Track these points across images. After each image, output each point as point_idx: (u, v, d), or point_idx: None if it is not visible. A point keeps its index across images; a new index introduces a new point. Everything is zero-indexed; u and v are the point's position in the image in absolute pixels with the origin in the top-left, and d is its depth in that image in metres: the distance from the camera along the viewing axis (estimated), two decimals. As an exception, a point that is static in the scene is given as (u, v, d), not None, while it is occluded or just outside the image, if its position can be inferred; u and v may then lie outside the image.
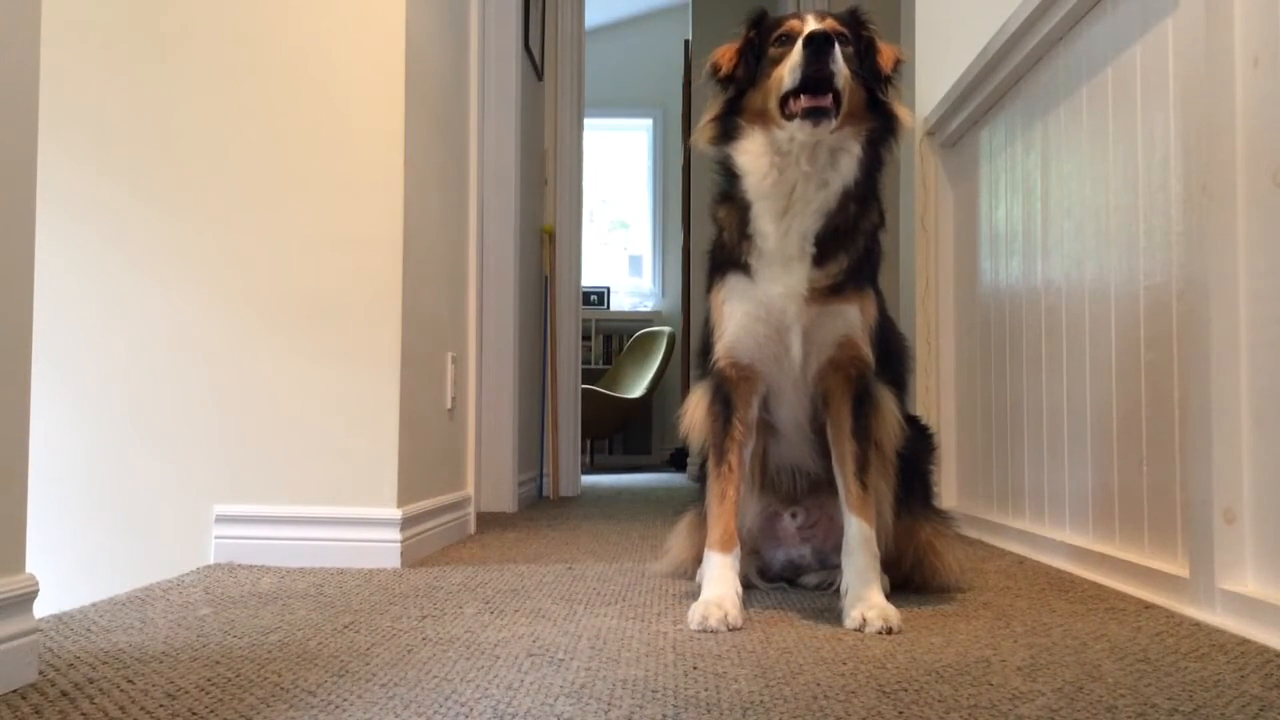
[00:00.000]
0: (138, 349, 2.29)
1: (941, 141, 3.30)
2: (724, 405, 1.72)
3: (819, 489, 1.85)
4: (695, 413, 1.79)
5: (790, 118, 1.56)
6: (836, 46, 1.54)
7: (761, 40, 1.67)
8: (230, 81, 2.32)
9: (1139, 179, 1.98)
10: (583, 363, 5.03)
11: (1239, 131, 1.61)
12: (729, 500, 1.69)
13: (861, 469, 1.68)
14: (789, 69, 1.55)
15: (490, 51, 3.56)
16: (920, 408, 3.32)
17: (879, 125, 1.65)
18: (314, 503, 2.24)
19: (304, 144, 2.31)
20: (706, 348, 1.77)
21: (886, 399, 1.75)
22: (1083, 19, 2.25)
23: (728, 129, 1.66)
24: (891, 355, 1.81)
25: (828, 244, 1.62)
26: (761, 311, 1.65)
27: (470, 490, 2.95)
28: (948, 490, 3.26)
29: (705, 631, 1.53)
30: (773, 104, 1.60)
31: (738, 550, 1.69)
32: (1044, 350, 2.48)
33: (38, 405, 1.30)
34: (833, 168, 1.60)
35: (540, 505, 4.09)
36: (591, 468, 7.13)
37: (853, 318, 1.66)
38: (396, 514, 2.23)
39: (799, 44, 1.54)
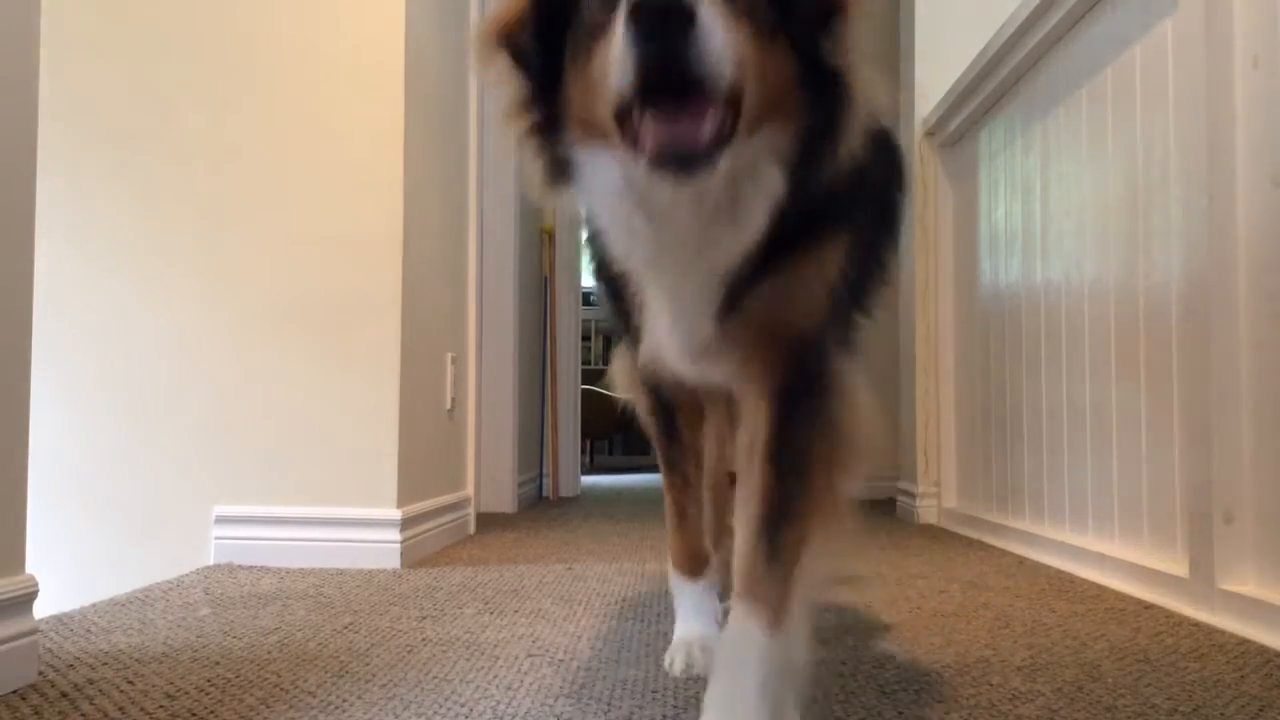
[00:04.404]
0: (137, 350, 2.29)
1: (941, 141, 3.30)
2: (664, 413, 1.35)
3: None
4: (619, 379, 1.42)
5: (637, 148, 0.86)
6: (700, 10, 0.81)
7: None
8: (231, 81, 2.32)
9: (1139, 179, 1.98)
10: (583, 363, 5.03)
11: (1239, 131, 1.61)
12: (690, 519, 1.39)
13: (777, 515, 0.99)
14: (614, 58, 0.84)
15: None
16: (920, 408, 3.32)
17: (823, 117, 0.94)
18: (314, 503, 2.24)
19: (304, 144, 2.31)
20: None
21: (849, 385, 1.06)
22: (1082, 19, 2.24)
23: (557, 157, 0.97)
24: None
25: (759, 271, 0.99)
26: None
27: (470, 490, 2.95)
28: (948, 490, 3.26)
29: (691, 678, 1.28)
30: (601, 115, 0.90)
31: (711, 571, 1.41)
32: (1044, 350, 2.48)
33: (38, 406, 1.30)
34: (733, 211, 0.94)
35: (540, 505, 4.09)
36: (591, 468, 7.13)
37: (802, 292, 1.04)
38: (396, 514, 2.23)
39: (622, 10, 0.83)
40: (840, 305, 1.08)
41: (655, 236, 0.96)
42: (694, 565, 1.40)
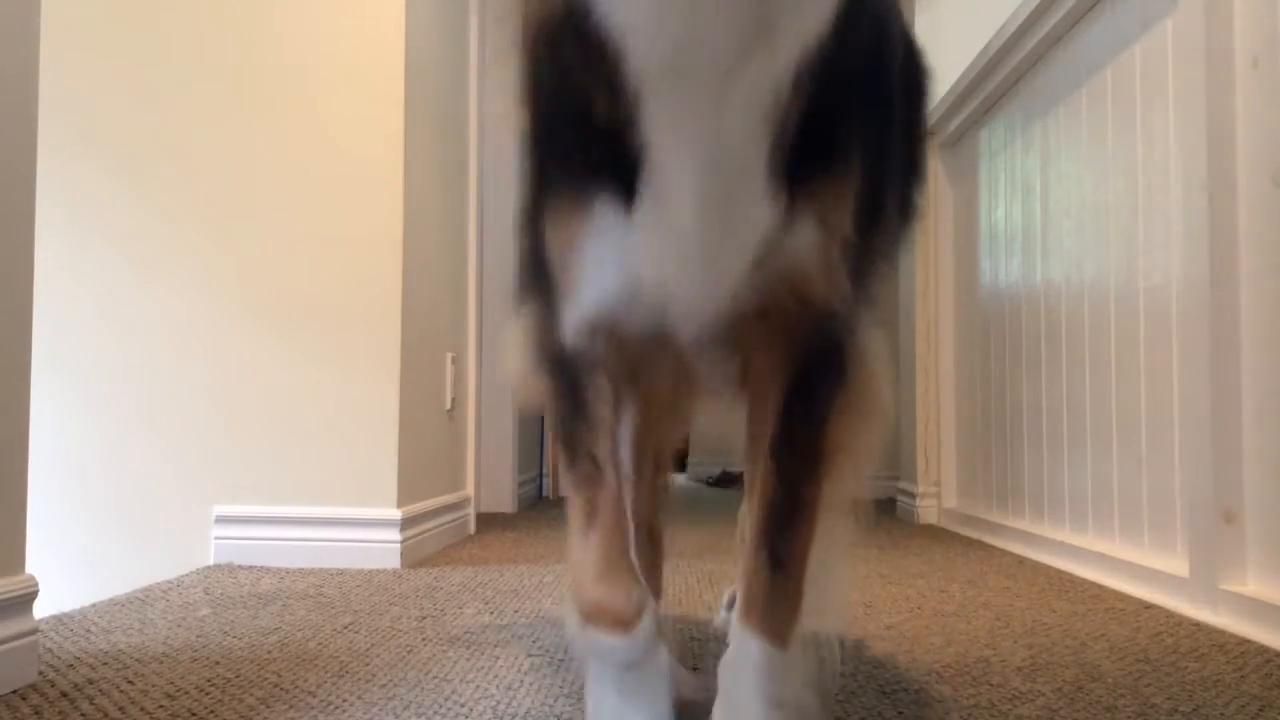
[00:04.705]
0: (137, 349, 2.29)
1: (941, 141, 3.30)
2: (572, 384, 0.91)
3: None
4: (518, 358, 1.00)
5: None
6: None
7: None
8: (230, 81, 2.32)
9: (1139, 179, 1.98)
10: (583, 363, 5.02)
11: (1239, 131, 1.62)
12: (606, 527, 0.88)
13: (782, 517, 0.84)
14: None
15: (490, 51, 3.56)
16: (920, 408, 3.32)
17: None
18: (314, 503, 2.24)
19: (304, 144, 2.31)
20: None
21: (873, 360, 0.88)
22: (1082, 19, 2.24)
23: None
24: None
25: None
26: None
27: (470, 490, 2.95)
28: (948, 490, 3.26)
29: None
30: None
31: (651, 615, 0.87)
32: (1044, 350, 2.48)
33: (38, 406, 1.30)
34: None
35: (540, 505, 4.09)
36: (591, 468, 7.12)
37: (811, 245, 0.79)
38: (396, 514, 2.23)
39: None
40: (869, 249, 0.86)
41: (693, 5, 0.69)
42: (618, 609, 0.86)
